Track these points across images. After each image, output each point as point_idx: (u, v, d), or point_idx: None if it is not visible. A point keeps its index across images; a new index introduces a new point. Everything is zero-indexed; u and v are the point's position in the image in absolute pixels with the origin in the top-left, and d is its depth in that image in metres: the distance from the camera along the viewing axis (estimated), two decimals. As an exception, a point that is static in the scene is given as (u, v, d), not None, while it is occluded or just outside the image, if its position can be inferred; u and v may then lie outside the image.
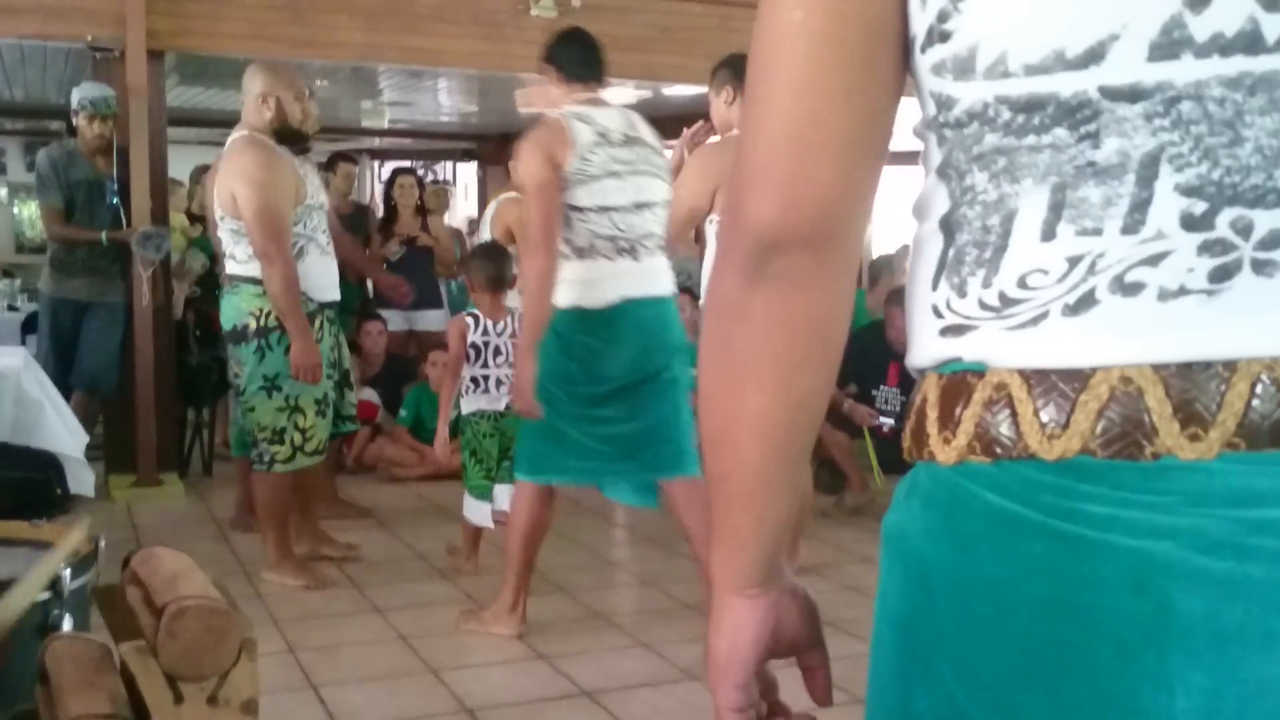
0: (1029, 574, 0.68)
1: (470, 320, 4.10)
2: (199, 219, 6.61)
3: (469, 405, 4.10)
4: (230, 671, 1.71)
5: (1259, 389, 0.64)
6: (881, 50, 0.75)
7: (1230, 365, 0.65)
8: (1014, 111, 0.69)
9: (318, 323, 4.03)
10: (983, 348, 0.72)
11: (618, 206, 3.35)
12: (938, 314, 0.75)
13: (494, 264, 4.13)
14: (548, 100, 3.46)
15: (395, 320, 6.39)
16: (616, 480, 3.72)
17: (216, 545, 4.64)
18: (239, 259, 3.98)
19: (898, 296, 5.91)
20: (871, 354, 5.44)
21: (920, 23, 0.73)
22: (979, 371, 0.72)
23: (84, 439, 4.06)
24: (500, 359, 4.10)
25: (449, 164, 12.39)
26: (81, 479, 3.81)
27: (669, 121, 5.13)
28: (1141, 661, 0.64)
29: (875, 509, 5.51)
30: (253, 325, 3.94)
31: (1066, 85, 0.66)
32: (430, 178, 11.15)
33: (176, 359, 5.81)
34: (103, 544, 2.66)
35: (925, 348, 0.77)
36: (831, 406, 4.94)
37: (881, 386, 5.44)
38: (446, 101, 9.14)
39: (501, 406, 4.07)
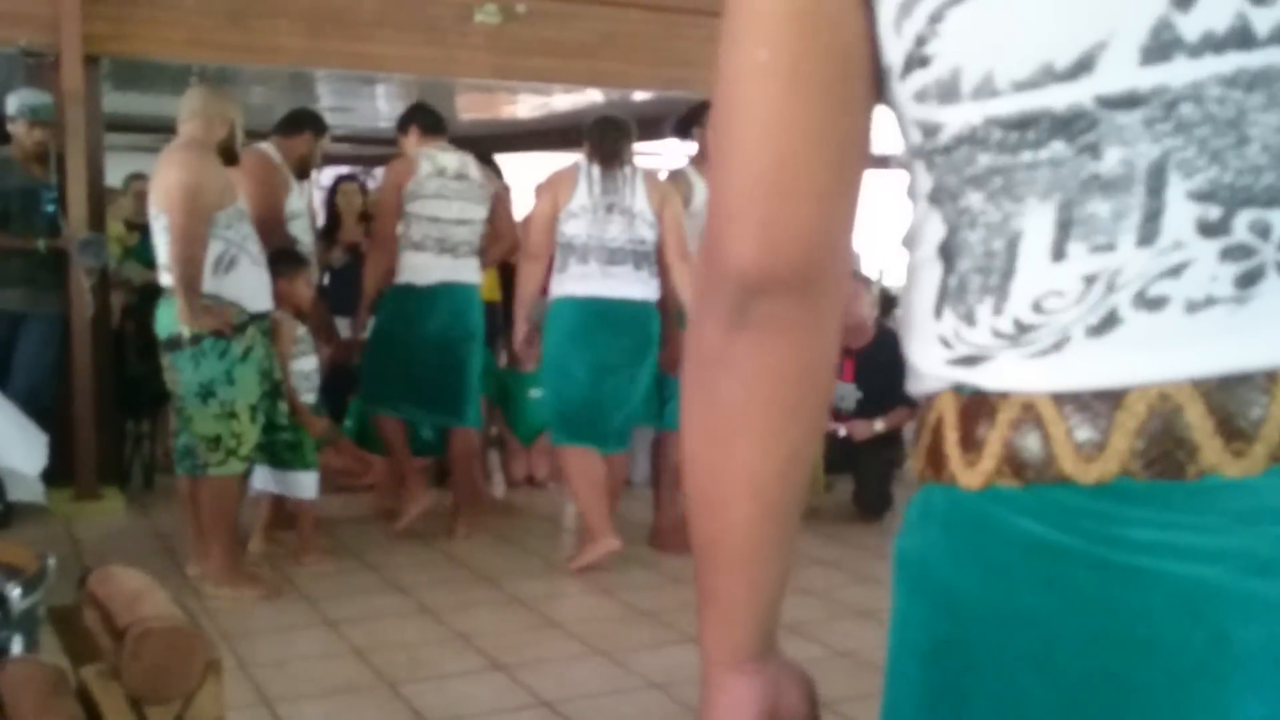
0: (1074, 604, 0.65)
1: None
2: (136, 227, 6.49)
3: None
4: (196, 694, 1.68)
5: None
6: (852, 83, 0.72)
7: (1271, 375, 0.63)
8: (1006, 130, 0.66)
9: (249, 333, 4.04)
10: (1002, 377, 0.69)
11: (443, 218, 4.77)
12: (946, 344, 0.72)
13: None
14: (410, 146, 4.99)
15: (341, 328, 6.31)
16: (417, 416, 5.12)
17: (160, 559, 4.54)
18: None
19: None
20: None
21: (895, 51, 0.70)
22: (1002, 395, 0.70)
23: (43, 440, 3.96)
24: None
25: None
26: (28, 487, 3.75)
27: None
28: (1197, 693, 0.62)
29: (822, 513, 5.56)
30: (186, 334, 3.95)
31: (1059, 98, 0.64)
32: (372, 183, 11.02)
33: (115, 370, 5.69)
34: (51, 563, 2.60)
35: (933, 377, 0.74)
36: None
37: (838, 382, 5.47)
38: (385, 106, 9.06)
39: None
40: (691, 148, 5.14)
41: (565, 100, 7.88)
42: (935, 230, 0.73)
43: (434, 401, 4.97)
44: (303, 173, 4.92)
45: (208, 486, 4.08)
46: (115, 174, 6.78)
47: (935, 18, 0.67)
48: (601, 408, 4.51)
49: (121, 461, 5.84)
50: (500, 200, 5.12)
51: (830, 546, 4.99)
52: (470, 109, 9.07)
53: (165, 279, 4.05)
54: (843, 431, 5.39)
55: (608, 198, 4.49)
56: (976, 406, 0.71)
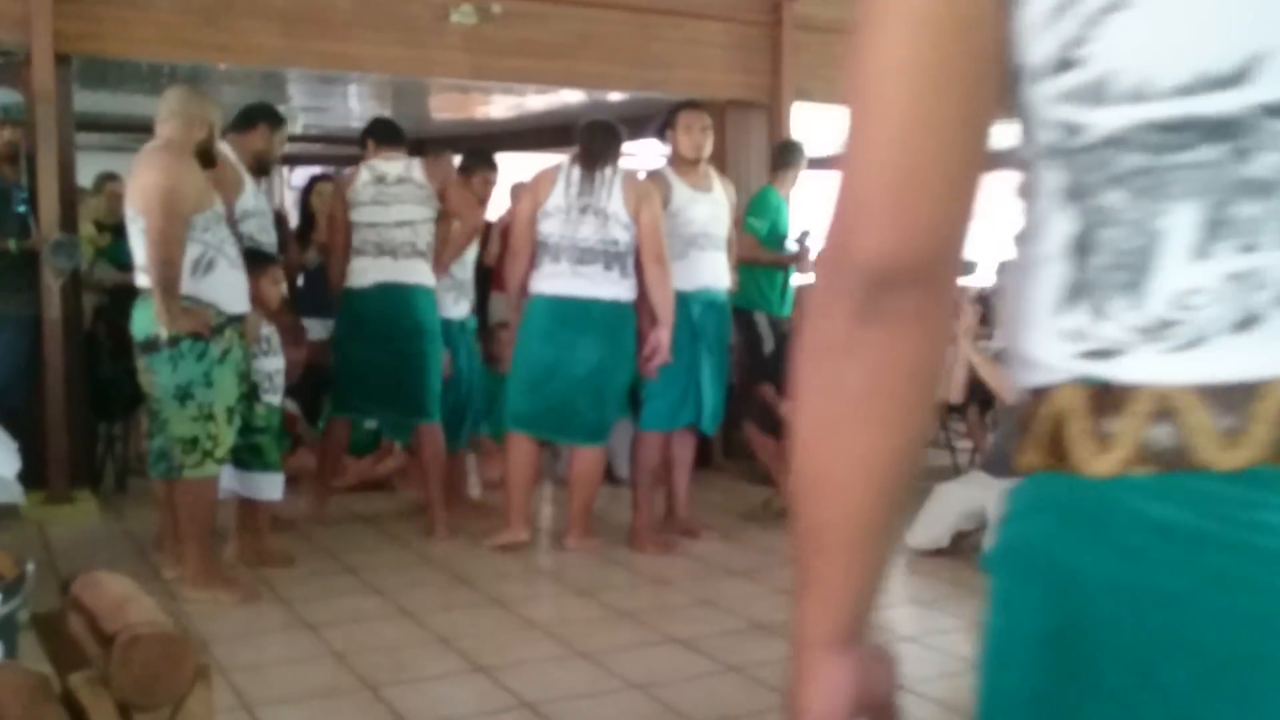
0: (1212, 585, 0.67)
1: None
2: (107, 228, 6.42)
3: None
4: (185, 700, 1.67)
5: None
6: (988, 82, 0.75)
7: None
8: (1156, 133, 0.69)
9: (226, 334, 4.03)
10: (1138, 370, 0.72)
11: (380, 223, 4.93)
12: (1073, 338, 0.75)
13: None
14: (368, 157, 5.11)
15: (314, 329, 6.27)
16: (380, 417, 5.44)
17: (135, 563, 4.50)
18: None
19: None
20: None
21: (1039, 52, 0.73)
22: (1134, 388, 0.72)
23: (13, 447, 3.91)
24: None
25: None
26: (6, 489, 3.70)
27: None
28: None
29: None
30: (164, 335, 3.93)
31: (1214, 105, 0.67)
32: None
33: (87, 372, 5.63)
34: (31, 569, 2.58)
35: (1057, 368, 0.76)
36: (764, 408, 5.09)
37: None
38: (358, 106, 9.02)
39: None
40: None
41: (540, 101, 7.86)
42: (1065, 227, 0.75)
43: (391, 401, 5.06)
44: (260, 169, 4.76)
45: (184, 489, 4.06)
46: (85, 174, 6.71)
47: (1091, 22, 0.70)
48: (558, 402, 4.63)
49: (94, 464, 5.78)
50: (448, 187, 5.12)
51: (808, 547, 5.00)
52: (444, 109, 9.05)
53: (142, 280, 4.02)
54: None
55: (583, 199, 4.58)
56: (1106, 398, 0.73)
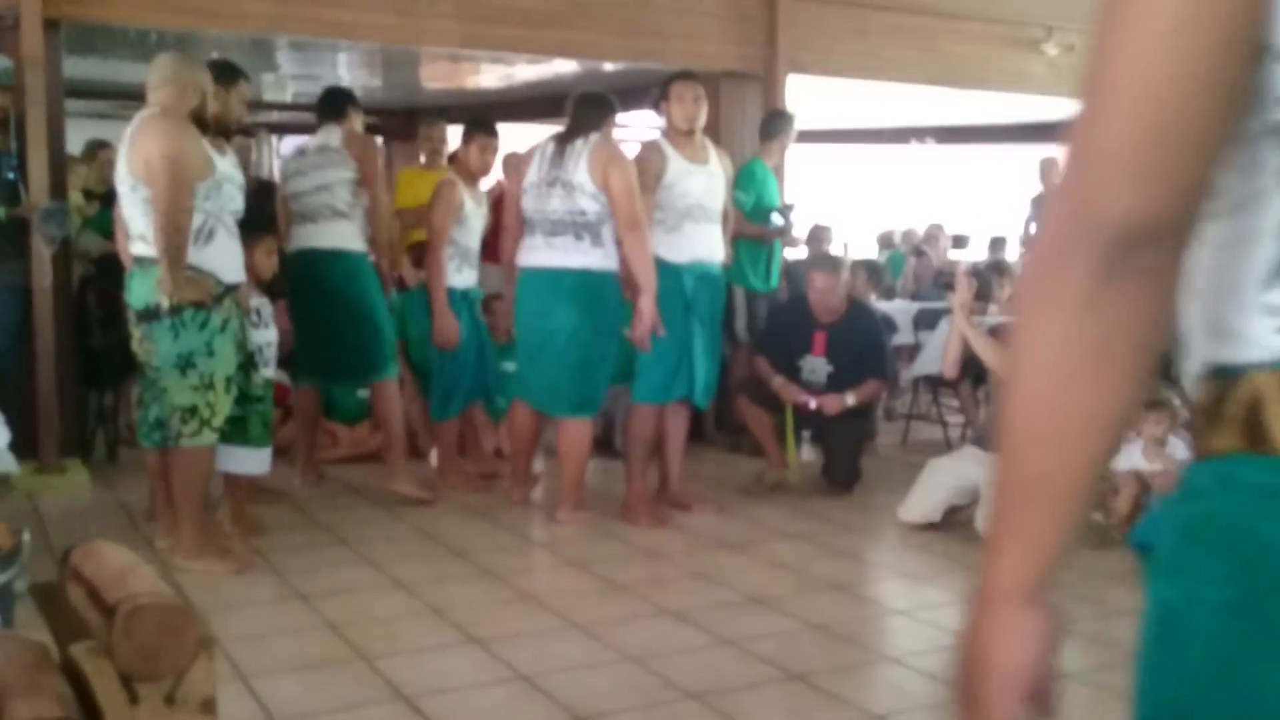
0: None
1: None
2: (95, 196, 6.37)
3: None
4: (187, 670, 1.67)
5: None
6: (1245, 44, 0.76)
7: None
8: None
9: (226, 304, 4.02)
10: None
11: (302, 191, 5.06)
12: (1277, 313, 0.77)
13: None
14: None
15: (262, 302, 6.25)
16: (330, 382, 5.52)
17: (127, 533, 4.49)
18: (149, 239, 3.91)
19: (820, 262, 5.95)
20: (796, 326, 5.49)
21: None
22: None
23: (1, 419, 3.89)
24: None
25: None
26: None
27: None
28: None
29: (794, 485, 5.59)
30: (165, 304, 3.90)
31: None
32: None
33: (77, 341, 5.60)
34: (26, 538, 2.57)
35: (1256, 344, 0.78)
36: (758, 382, 5.08)
37: (807, 356, 5.48)
38: (348, 75, 8.94)
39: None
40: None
41: (532, 70, 7.81)
42: (1278, 208, 0.78)
43: (334, 368, 5.24)
44: (220, 131, 4.44)
45: (180, 458, 4.04)
46: (73, 141, 6.65)
47: None
48: (542, 374, 4.73)
49: (85, 434, 5.75)
50: (363, 161, 5.09)
51: (801, 520, 5.02)
52: (435, 78, 8.98)
53: (139, 249, 3.98)
54: (813, 404, 5.41)
55: (553, 172, 4.64)
56: None
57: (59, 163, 5.40)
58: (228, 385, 4.07)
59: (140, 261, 3.98)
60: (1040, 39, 7.67)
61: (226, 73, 4.53)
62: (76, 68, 7.44)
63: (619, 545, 4.56)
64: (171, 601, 1.67)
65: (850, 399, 5.36)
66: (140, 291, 3.97)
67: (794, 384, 5.41)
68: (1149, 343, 0.81)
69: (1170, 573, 0.83)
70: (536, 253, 4.69)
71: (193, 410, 3.99)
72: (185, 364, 3.95)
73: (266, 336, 4.50)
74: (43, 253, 5.19)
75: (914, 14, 7.25)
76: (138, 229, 3.97)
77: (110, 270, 5.19)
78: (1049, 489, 0.83)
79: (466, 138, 5.41)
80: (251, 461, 4.44)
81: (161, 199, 3.81)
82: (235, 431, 4.30)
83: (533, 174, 4.70)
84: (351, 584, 4.00)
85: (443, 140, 7.32)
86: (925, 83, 7.58)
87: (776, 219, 6.10)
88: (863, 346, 5.43)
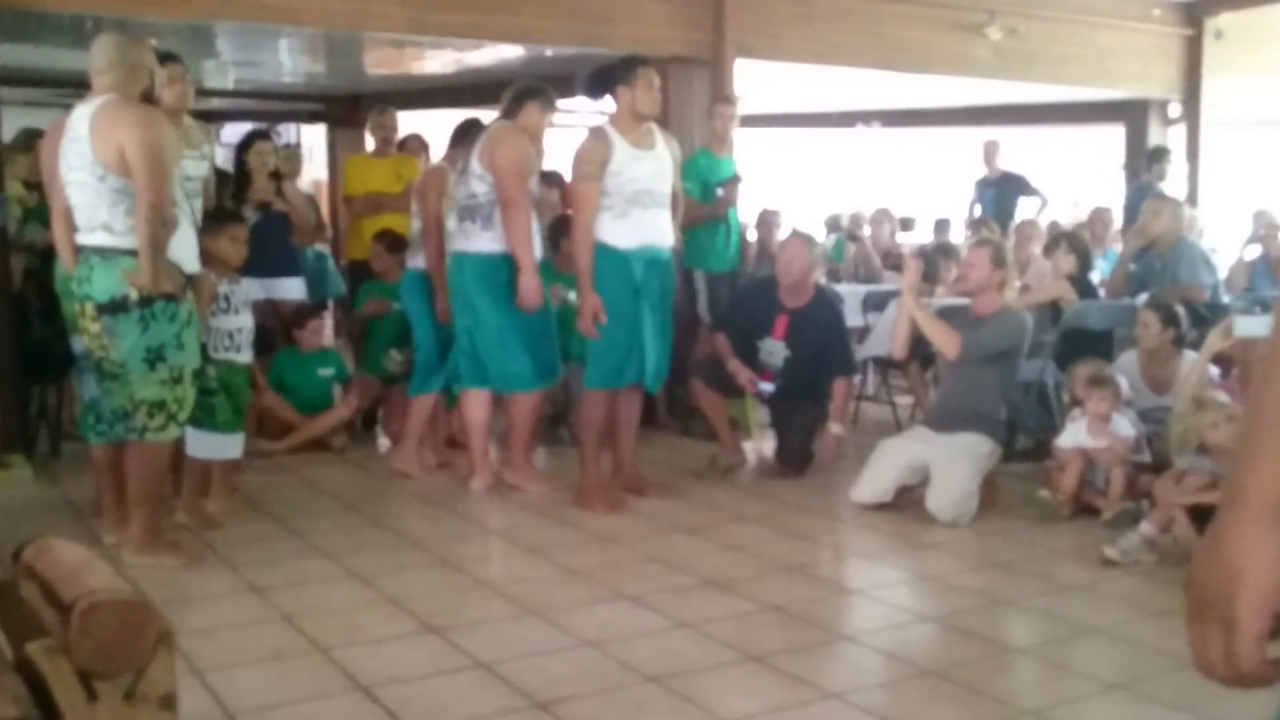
0: None
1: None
2: (34, 186, 6.23)
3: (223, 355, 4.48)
4: (147, 666, 1.65)
5: None
6: None
7: None
8: None
9: (189, 296, 3.95)
10: None
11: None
12: None
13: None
14: None
15: (253, 289, 6.17)
16: None
17: (73, 528, 4.42)
18: (116, 229, 3.80)
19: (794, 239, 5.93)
20: (761, 307, 5.50)
21: None
22: None
23: None
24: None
25: (293, 125, 11.99)
26: None
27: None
28: None
29: (748, 469, 5.62)
30: (134, 296, 3.81)
31: None
32: (278, 140, 10.76)
33: (17, 335, 5.48)
34: (-27, 536, 2.52)
35: None
36: (714, 364, 5.10)
37: (766, 339, 5.49)
38: (289, 61, 8.82)
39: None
40: (606, 105, 5.04)
41: (478, 56, 7.74)
42: None
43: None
44: (174, 117, 4.50)
45: (142, 452, 3.97)
46: (6, 130, 6.50)
47: None
48: (469, 354, 5.02)
49: (27, 429, 5.64)
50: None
51: (755, 502, 5.05)
52: (379, 64, 8.88)
53: (99, 239, 3.83)
54: (765, 389, 5.44)
55: (462, 162, 4.98)
56: None
57: (-5, 153, 5.28)
58: (194, 378, 4.03)
59: (102, 252, 3.84)
60: (983, 23, 7.75)
61: (176, 60, 4.52)
62: (9, 54, 7.28)
63: (574, 531, 4.56)
64: (129, 597, 1.65)
65: (835, 429, 5.34)
66: (104, 283, 3.83)
67: (747, 367, 5.44)
68: None
69: None
70: (452, 239, 5.05)
71: (160, 404, 3.93)
72: (155, 357, 3.87)
73: (238, 322, 4.51)
74: (-20, 244, 5.08)
75: (860, -1, 7.30)
76: (98, 219, 3.82)
77: (51, 261, 5.09)
78: None
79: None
80: (224, 446, 4.44)
81: (149, 189, 3.70)
82: (206, 416, 4.28)
83: (459, 163, 5.02)
84: (306, 575, 3.97)
85: (394, 128, 7.25)
86: (871, 67, 7.63)
87: (719, 192, 6.21)
88: (824, 337, 5.44)
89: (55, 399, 5.87)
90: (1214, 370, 5.04)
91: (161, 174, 3.74)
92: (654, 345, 4.87)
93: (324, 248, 7.91)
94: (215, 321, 4.40)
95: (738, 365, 5.43)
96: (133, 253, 3.78)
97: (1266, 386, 0.86)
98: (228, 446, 4.49)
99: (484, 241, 4.86)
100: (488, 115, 5.51)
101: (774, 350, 5.47)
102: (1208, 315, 5.60)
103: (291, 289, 6.35)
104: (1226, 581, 0.83)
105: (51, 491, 5.11)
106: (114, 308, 3.84)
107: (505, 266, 4.84)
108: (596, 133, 4.86)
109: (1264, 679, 0.86)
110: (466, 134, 5.30)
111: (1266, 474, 0.84)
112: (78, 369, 4.61)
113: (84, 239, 3.91)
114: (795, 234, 5.90)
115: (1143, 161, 8.61)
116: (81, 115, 3.84)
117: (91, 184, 3.82)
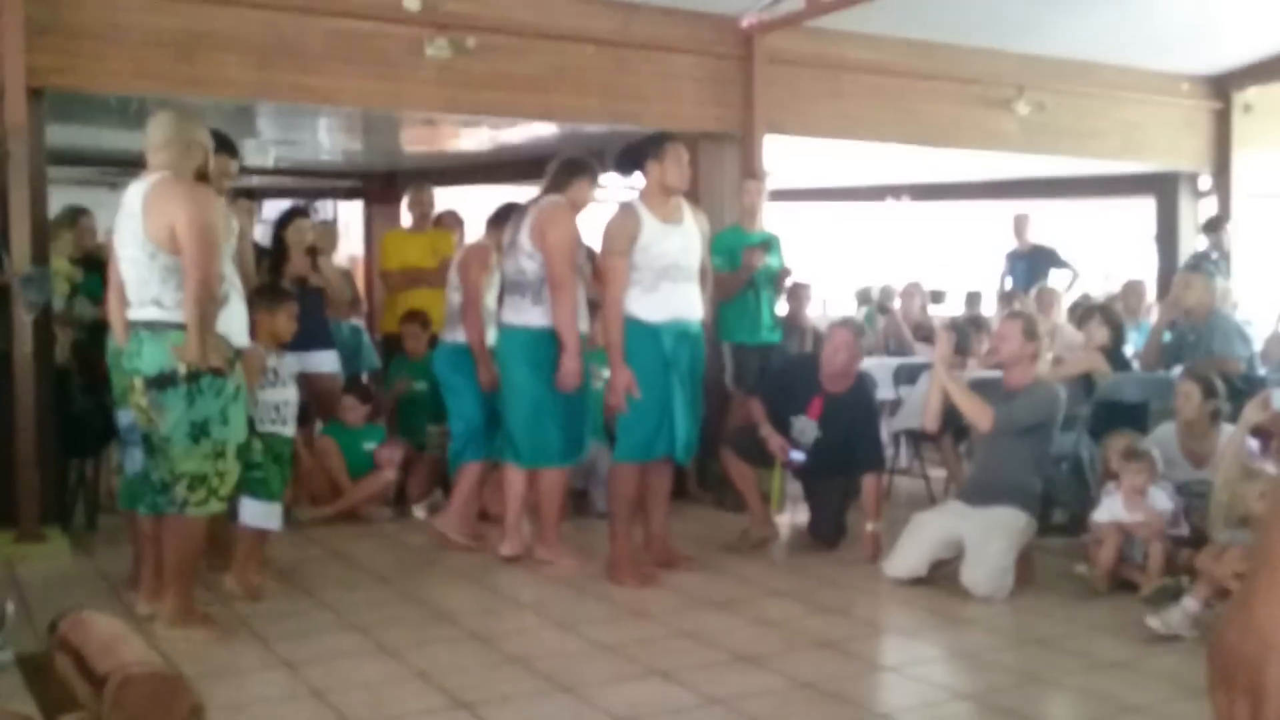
0: None
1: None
2: (78, 262, 6.38)
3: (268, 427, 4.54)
4: (179, 740, 1.65)
5: None
6: None
7: None
8: None
9: (237, 369, 4.00)
10: None
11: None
12: None
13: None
14: None
15: (289, 363, 6.25)
16: None
17: (108, 601, 4.45)
18: (165, 304, 3.87)
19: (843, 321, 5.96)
20: (800, 383, 5.49)
21: None
22: None
23: None
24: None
25: (330, 201, 12.21)
26: None
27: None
28: None
29: (780, 542, 5.59)
30: (182, 370, 3.86)
31: None
32: (315, 216, 10.96)
33: (59, 408, 5.57)
34: (10, 609, 2.54)
35: None
36: (743, 434, 5.10)
37: (801, 416, 5.47)
38: (328, 140, 9.02)
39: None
40: (636, 181, 5.11)
41: (514, 133, 7.89)
42: None
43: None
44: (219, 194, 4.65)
45: (179, 525, 3.99)
46: (53, 207, 6.67)
47: None
48: (505, 427, 5.14)
49: (64, 501, 5.71)
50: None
51: (787, 576, 5.01)
52: (415, 142, 9.06)
53: (150, 313, 3.89)
54: (799, 457, 5.41)
55: (510, 235, 5.08)
56: None
57: (41, 230, 5.41)
58: (238, 453, 4.05)
59: (151, 327, 3.89)
60: (1012, 98, 7.82)
61: (227, 144, 4.70)
62: (58, 135, 7.49)
63: (605, 605, 4.54)
64: (162, 670, 1.66)
65: (872, 527, 5.26)
66: (153, 357, 3.88)
67: (777, 436, 5.42)
68: None
69: None
70: (489, 314, 5.30)
71: (201, 478, 3.95)
72: (199, 431, 3.90)
73: (284, 395, 4.62)
74: (24, 319, 5.18)
75: (888, 75, 7.39)
76: (149, 294, 3.88)
77: (97, 336, 5.20)
78: None
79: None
80: (272, 516, 4.49)
81: (197, 265, 3.77)
82: (260, 486, 4.37)
83: (507, 236, 5.10)
84: (336, 650, 3.96)
85: (431, 204, 7.38)
86: (900, 142, 7.70)
87: (745, 257, 6.23)
88: (856, 426, 5.40)
89: (94, 472, 5.94)
90: (1253, 443, 4.98)
91: (210, 251, 3.81)
92: (684, 418, 4.87)
93: (359, 322, 8.00)
94: (263, 395, 4.48)
95: (770, 431, 5.42)
96: (181, 327, 3.83)
97: None
98: (274, 516, 4.53)
99: (532, 316, 4.97)
100: (521, 191, 5.62)
101: (806, 429, 5.45)
102: (1243, 388, 5.55)
103: (325, 362, 6.42)
104: (1256, 648, 0.81)
105: (87, 564, 5.14)
106: (161, 382, 3.89)
107: (549, 342, 4.92)
108: (626, 208, 4.92)
109: None
110: (503, 217, 5.42)
111: None
112: (123, 442, 4.66)
113: (134, 314, 3.97)
114: (847, 323, 5.83)
115: (1172, 234, 8.61)
116: (135, 192, 3.93)
117: (143, 260, 3.89)
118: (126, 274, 3.97)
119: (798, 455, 5.42)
